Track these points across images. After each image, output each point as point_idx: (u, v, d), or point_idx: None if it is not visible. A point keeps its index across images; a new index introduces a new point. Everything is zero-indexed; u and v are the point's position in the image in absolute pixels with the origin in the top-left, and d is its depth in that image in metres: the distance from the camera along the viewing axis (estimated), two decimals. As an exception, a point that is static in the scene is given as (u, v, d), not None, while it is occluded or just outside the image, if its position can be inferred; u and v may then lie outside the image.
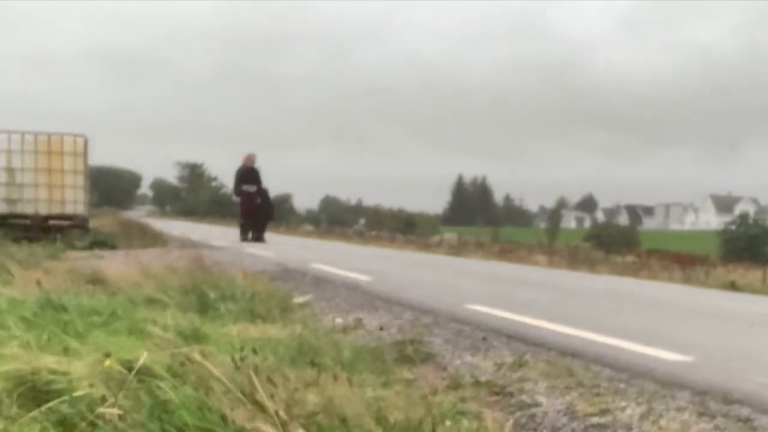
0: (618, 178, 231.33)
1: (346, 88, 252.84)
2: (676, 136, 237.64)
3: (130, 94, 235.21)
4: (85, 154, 21.43)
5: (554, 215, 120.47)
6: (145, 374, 4.10)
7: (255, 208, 26.19)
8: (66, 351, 4.78)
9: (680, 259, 34.37)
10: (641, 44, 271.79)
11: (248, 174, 25.72)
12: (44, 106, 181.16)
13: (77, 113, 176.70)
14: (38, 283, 7.65)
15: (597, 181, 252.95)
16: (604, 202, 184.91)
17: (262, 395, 3.68)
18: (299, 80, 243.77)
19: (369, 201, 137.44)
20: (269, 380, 3.88)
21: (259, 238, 26.63)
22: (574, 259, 29.24)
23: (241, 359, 4.05)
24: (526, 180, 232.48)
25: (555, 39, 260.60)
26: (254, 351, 4.76)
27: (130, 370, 4.12)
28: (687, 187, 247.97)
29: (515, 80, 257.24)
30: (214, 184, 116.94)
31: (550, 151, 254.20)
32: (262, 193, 26.97)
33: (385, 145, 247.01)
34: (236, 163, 26.23)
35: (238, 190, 26.00)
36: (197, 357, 4.16)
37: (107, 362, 4.20)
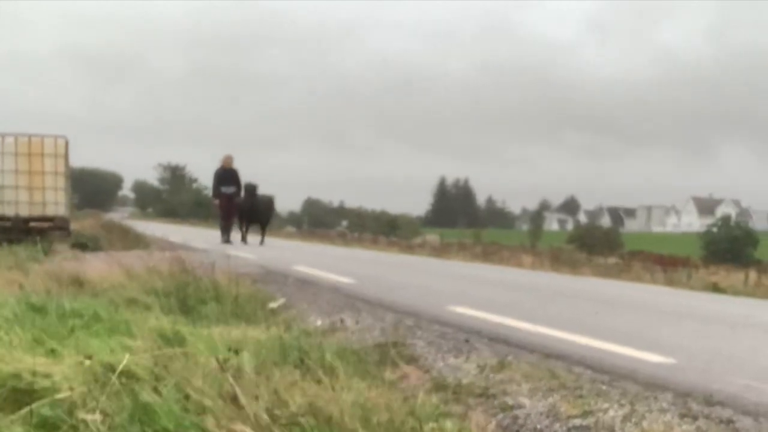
0: (597, 180, 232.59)
1: (323, 89, 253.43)
2: (652, 138, 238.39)
3: (104, 95, 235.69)
4: (66, 156, 21.31)
5: (537, 217, 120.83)
6: (127, 376, 4.09)
7: (234, 210, 26.27)
8: (48, 353, 4.76)
9: (663, 260, 34.56)
10: (612, 46, 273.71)
11: (226, 175, 25.80)
12: (17, 105, 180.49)
13: (51, 113, 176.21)
14: (20, 285, 7.61)
15: (578, 183, 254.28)
16: (586, 204, 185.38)
17: (242, 397, 3.67)
18: (274, 81, 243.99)
19: (351, 203, 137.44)
20: (252, 382, 3.87)
21: (261, 242, 26.99)
22: (557, 261, 29.27)
23: (225, 361, 4.04)
24: (505, 182, 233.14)
25: (526, 40, 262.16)
26: (235, 352, 4.76)
27: (112, 372, 4.10)
28: (665, 189, 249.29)
29: (489, 81, 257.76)
30: (195, 185, 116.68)
31: (529, 153, 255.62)
32: (266, 199, 27.17)
33: (363, 147, 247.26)
34: (215, 164, 26.32)
35: (216, 191, 26.02)
36: (179, 359, 4.15)
37: (87, 362, 4.18)
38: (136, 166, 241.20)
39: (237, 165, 26.14)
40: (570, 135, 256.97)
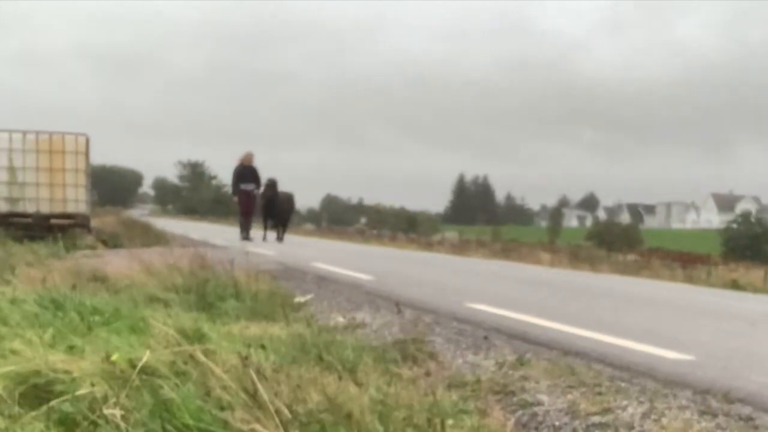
0: (615, 177, 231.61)
1: (340, 87, 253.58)
2: (669, 135, 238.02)
3: (121, 93, 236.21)
4: (86, 153, 21.40)
5: (556, 214, 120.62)
6: (147, 373, 4.10)
7: (254, 207, 26.40)
8: (69, 350, 4.78)
9: (682, 257, 34.43)
10: (627, 43, 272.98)
11: (246, 173, 25.84)
12: (35, 103, 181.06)
13: (69, 111, 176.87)
14: (42, 281, 7.65)
15: (595, 179, 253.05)
16: (605, 200, 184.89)
17: (263, 394, 3.68)
18: (291, 79, 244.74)
19: (369, 200, 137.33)
20: (272, 378, 3.89)
21: (279, 238, 27.19)
22: (576, 258, 29.20)
23: (246, 357, 4.05)
24: (523, 178, 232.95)
25: (541, 37, 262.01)
26: (262, 347, 4.78)
27: (132, 368, 4.12)
28: (683, 185, 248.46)
29: (505, 78, 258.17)
30: (214, 182, 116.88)
31: (546, 150, 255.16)
32: (286, 196, 27.29)
33: (380, 144, 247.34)
34: (233, 161, 26.44)
35: (236, 189, 26.09)
36: (200, 356, 4.16)
37: (114, 356, 4.21)
38: (155, 163, 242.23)
39: (255, 162, 26.20)
40: (586, 132, 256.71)
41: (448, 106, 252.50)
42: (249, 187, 25.65)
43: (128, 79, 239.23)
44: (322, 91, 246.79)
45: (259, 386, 3.71)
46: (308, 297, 10.01)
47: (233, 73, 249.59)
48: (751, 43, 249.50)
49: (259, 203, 26.57)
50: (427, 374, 5.79)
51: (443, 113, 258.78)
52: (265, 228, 27.59)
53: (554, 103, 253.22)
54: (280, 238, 27.11)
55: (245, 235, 25.80)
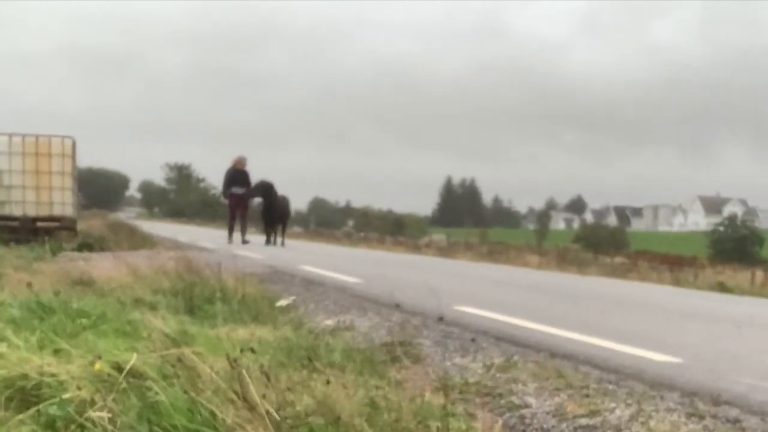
0: (600, 179, 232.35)
1: (322, 88, 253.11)
2: (650, 137, 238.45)
3: (104, 95, 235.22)
4: (73, 156, 21.35)
5: (543, 216, 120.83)
6: (134, 376, 4.09)
7: (244, 210, 26.24)
8: (55, 353, 4.77)
9: (669, 260, 34.53)
10: (604, 45, 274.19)
11: (237, 176, 25.75)
12: (18, 105, 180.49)
13: (52, 113, 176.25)
14: (29, 284, 7.63)
15: (578, 181, 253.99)
16: (592, 203, 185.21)
17: (253, 395, 3.68)
18: (273, 80, 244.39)
19: (356, 202, 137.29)
20: (261, 381, 3.88)
21: (279, 242, 27.05)
22: (563, 261, 29.25)
23: (235, 360, 4.05)
24: (508, 180, 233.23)
25: (521, 39, 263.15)
26: (252, 350, 4.77)
27: (119, 371, 4.11)
28: (668, 187, 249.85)
29: (484, 80, 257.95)
30: (202, 185, 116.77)
31: (529, 152, 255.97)
32: (282, 199, 27.02)
33: (365, 145, 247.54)
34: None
35: (227, 192, 26.01)
36: (188, 358, 4.15)
37: (97, 366, 4.19)
38: (140, 165, 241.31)
39: (248, 166, 26.12)
40: (568, 134, 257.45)
41: (430, 107, 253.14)
42: (239, 190, 25.58)
43: (111, 81, 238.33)
44: (304, 93, 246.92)
45: (251, 387, 3.70)
46: (290, 300, 10.00)
47: (215, 75, 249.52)
48: (724, 43, 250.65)
49: (260, 208, 26.24)
50: (415, 377, 5.79)
51: (425, 115, 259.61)
52: (268, 234, 27.28)
53: (535, 105, 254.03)
54: (282, 243, 26.97)
55: (232, 239, 25.74)
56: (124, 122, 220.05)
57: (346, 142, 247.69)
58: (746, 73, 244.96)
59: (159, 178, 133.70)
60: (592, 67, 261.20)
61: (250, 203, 26.18)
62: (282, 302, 9.76)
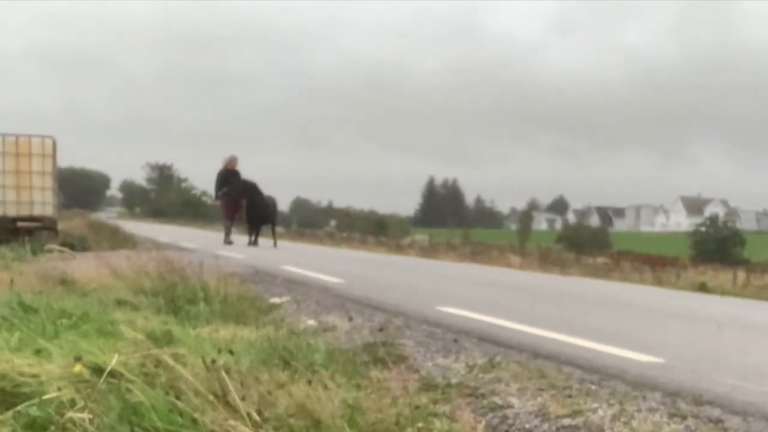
0: (578, 179, 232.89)
1: (298, 89, 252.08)
2: (625, 138, 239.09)
3: (78, 95, 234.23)
4: (53, 156, 21.32)
5: (525, 217, 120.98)
6: (115, 377, 4.07)
7: (237, 211, 25.85)
8: (36, 353, 4.74)
9: (651, 260, 34.58)
10: (577, 46, 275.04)
11: (229, 177, 25.27)
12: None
13: (25, 112, 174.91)
14: (9, 284, 7.59)
15: (554, 182, 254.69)
16: (574, 203, 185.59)
17: (234, 396, 3.66)
18: (249, 81, 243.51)
19: (337, 203, 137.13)
20: (241, 382, 3.87)
21: (271, 243, 26.55)
22: (546, 261, 29.28)
23: (213, 361, 4.03)
24: (487, 181, 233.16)
25: (495, 39, 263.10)
26: (230, 352, 4.75)
27: (100, 372, 4.08)
28: (648, 188, 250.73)
29: (460, 81, 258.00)
30: (183, 185, 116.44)
31: (508, 153, 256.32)
32: (269, 199, 26.58)
33: (343, 146, 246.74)
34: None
35: (218, 194, 25.70)
36: (168, 359, 4.13)
37: (77, 367, 4.17)
38: (116, 165, 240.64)
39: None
40: (543, 135, 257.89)
41: (405, 108, 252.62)
42: (232, 191, 25.24)
43: (85, 81, 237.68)
44: (280, 94, 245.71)
45: (231, 388, 3.69)
46: (284, 299, 10.01)
47: (191, 75, 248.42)
48: (697, 45, 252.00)
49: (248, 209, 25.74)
50: (397, 377, 5.78)
51: (401, 116, 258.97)
52: (250, 233, 26.72)
53: (510, 106, 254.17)
54: (273, 244, 26.57)
55: (229, 239, 25.38)
56: (98, 122, 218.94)
57: (324, 143, 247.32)
58: (711, 74, 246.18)
59: (140, 177, 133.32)
60: (565, 68, 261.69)
61: (242, 204, 25.55)
62: (276, 299, 9.79)
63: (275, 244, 26.86)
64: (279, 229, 27.60)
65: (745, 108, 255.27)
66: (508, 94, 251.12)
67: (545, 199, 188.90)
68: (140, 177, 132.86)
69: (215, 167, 25.87)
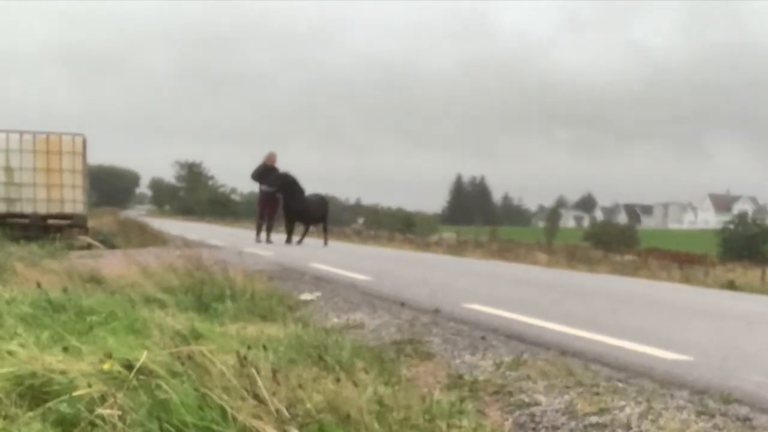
0: (602, 177, 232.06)
1: (315, 88, 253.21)
2: (642, 135, 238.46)
3: (94, 94, 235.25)
4: (83, 154, 21.44)
5: (553, 214, 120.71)
6: (144, 373, 4.10)
7: (275, 208, 25.46)
8: (65, 350, 4.78)
9: (679, 258, 34.49)
10: (589, 43, 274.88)
11: (268, 173, 24.86)
12: (8, 104, 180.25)
13: (48, 111, 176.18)
14: (38, 282, 7.64)
15: (569, 180, 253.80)
16: (602, 200, 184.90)
17: (263, 392, 3.68)
18: (266, 80, 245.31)
19: (364, 200, 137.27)
20: (271, 378, 3.89)
21: (294, 241, 26.04)
22: (573, 258, 29.24)
23: (244, 357, 4.05)
24: (510, 177, 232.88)
25: (506, 38, 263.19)
26: (264, 347, 4.77)
27: (129, 369, 4.11)
28: (673, 185, 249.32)
29: (474, 78, 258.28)
30: (211, 183, 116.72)
31: (525, 149, 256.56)
32: (317, 197, 26.26)
33: (365, 145, 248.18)
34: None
35: (260, 189, 25.22)
36: (197, 356, 4.16)
37: (107, 365, 4.20)
38: (145, 163, 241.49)
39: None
40: (559, 132, 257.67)
41: (422, 106, 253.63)
42: (271, 188, 24.75)
43: (104, 81, 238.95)
44: (295, 92, 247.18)
45: (260, 384, 3.71)
46: (316, 295, 10.04)
47: (210, 74, 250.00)
48: (707, 42, 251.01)
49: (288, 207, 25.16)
50: (425, 375, 5.80)
51: (419, 114, 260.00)
52: (288, 231, 26.14)
53: (527, 103, 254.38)
54: (299, 241, 26.07)
55: (260, 238, 24.97)
56: (119, 120, 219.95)
57: (349, 141, 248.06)
58: (734, 71, 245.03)
59: (169, 175, 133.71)
60: (581, 64, 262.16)
61: (278, 199, 24.98)
62: (308, 296, 9.83)
63: (326, 242, 26.37)
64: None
65: (763, 105, 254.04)
66: (523, 91, 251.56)
67: (572, 196, 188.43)
68: (169, 175, 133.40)
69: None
